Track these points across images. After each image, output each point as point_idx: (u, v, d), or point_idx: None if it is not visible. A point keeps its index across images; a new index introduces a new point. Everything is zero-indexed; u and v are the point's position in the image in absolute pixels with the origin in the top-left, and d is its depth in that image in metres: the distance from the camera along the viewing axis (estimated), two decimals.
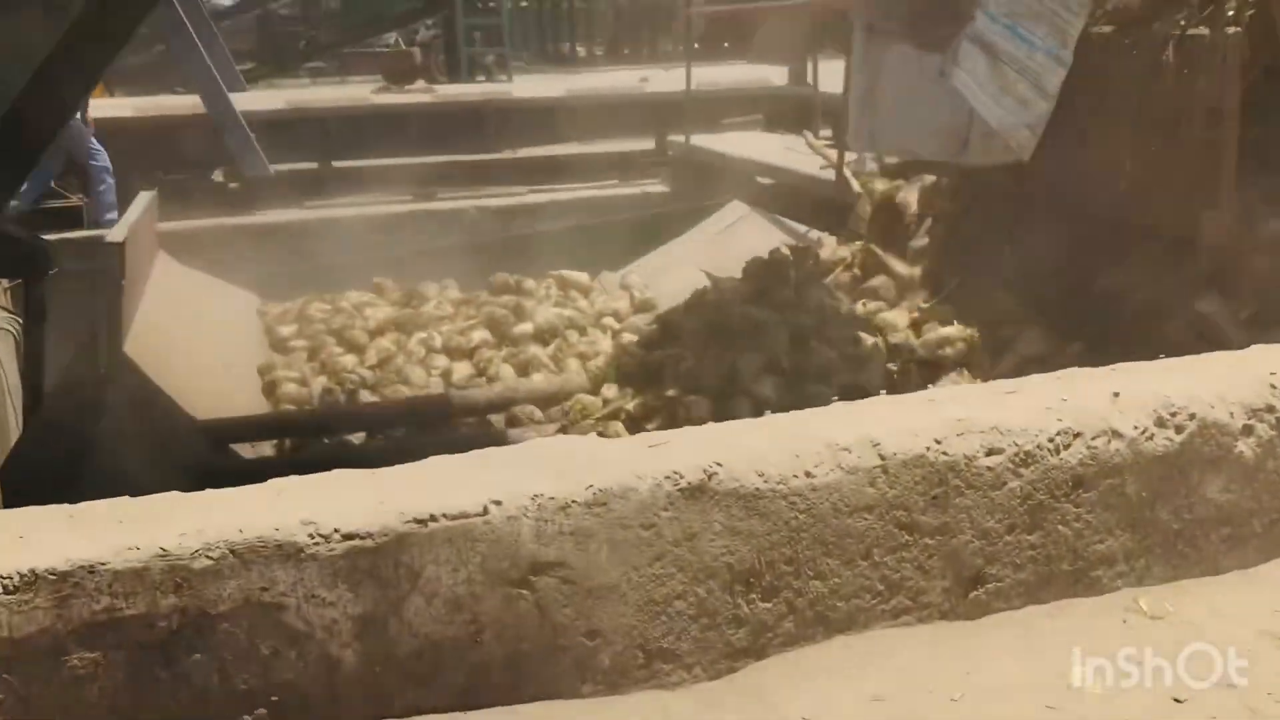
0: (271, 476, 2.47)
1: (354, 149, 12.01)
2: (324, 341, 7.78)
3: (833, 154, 8.31)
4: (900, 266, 5.29)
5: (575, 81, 15.49)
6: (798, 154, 9.04)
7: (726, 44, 31.74)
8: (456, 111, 12.24)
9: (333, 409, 6.23)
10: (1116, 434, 2.54)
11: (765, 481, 2.36)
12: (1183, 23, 3.96)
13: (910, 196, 6.57)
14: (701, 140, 10.48)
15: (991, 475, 2.48)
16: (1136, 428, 2.56)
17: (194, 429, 5.55)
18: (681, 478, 2.32)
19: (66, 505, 2.32)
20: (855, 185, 7.03)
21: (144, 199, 7.09)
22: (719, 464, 2.35)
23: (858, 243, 5.93)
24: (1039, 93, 3.75)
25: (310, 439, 5.98)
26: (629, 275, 7.92)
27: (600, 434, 5.38)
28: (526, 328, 7.76)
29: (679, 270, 7.77)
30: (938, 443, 2.46)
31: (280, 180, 11.42)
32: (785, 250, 6.12)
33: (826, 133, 13.03)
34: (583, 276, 8.42)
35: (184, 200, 9.51)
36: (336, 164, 11.86)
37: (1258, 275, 4.27)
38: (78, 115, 9.15)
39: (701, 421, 4.91)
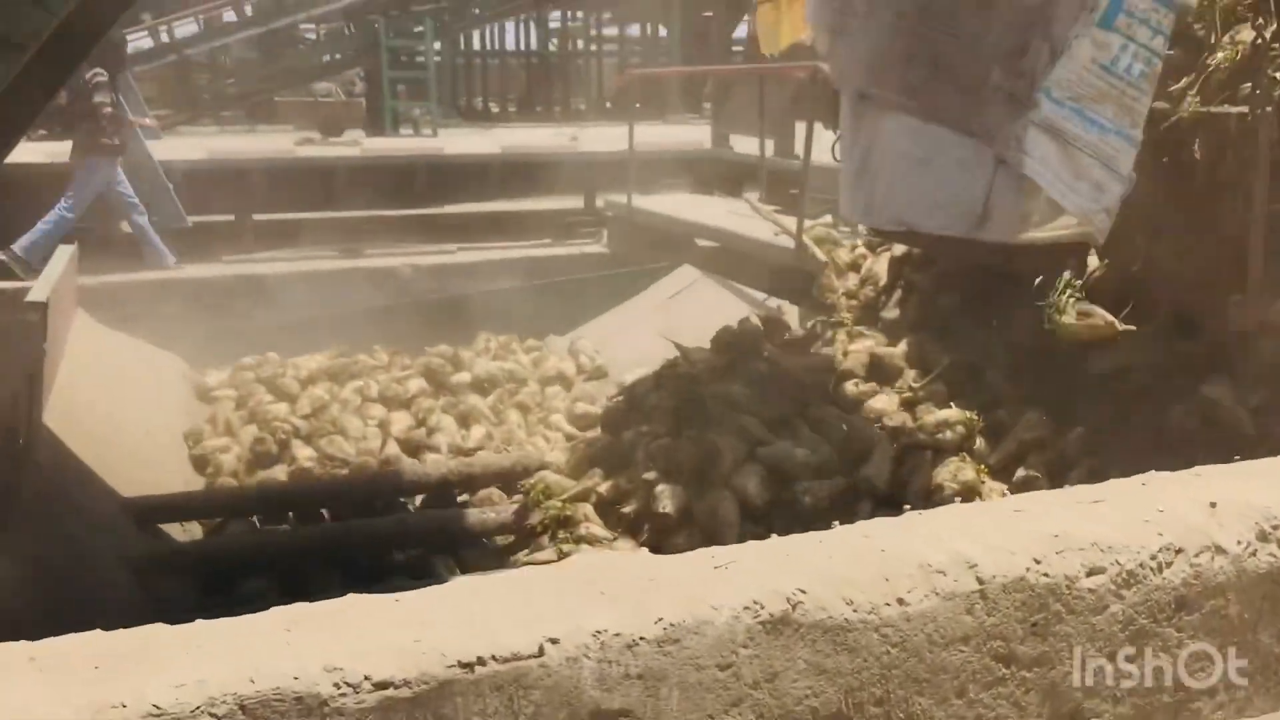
0: (216, 565, 2.10)
1: (276, 202, 11.56)
2: (253, 390, 7.37)
3: (786, 220, 8.17)
4: (890, 348, 5.08)
5: (496, 137, 15.21)
6: (746, 218, 8.86)
7: (638, 104, 31.92)
8: (386, 166, 11.87)
9: (271, 485, 5.77)
10: (1219, 550, 2.32)
11: (854, 610, 2.07)
12: (1197, 100, 3.86)
13: (879, 267, 6.41)
14: (643, 202, 10.26)
15: (1093, 598, 2.23)
16: (1239, 543, 2.33)
17: (119, 508, 5.05)
18: (762, 608, 2.02)
19: (26, 644, 1.92)
20: (819, 254, 6.87)
21: (65, 253, 6.58)
22: (802, 590, 2.06)
23: (842, 321, 5.70)
24: (1113, 175, 3.58)
25: (248, 518, 5.51)
26: (579, 340, 7.62)
27: (568, 516, 5.03)
28: (464, 377, 7.54)
29: (632, 336, 7.50)
30: (1037, 562, 2.20)
31: (197, 232, 10.91)
32: (756, 320, 5.89)
33: (752, 195, 13.05)
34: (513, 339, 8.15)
35: (91, 251, 8.94)
36: (258, 217, 11.38)
37: (1264, 359, 4.15)
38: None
39: (681, 510, 4.60)
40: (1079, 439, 4.40)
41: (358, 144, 12.85)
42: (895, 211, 4.39)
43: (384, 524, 5.23)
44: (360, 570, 5.02)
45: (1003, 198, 3.99)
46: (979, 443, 4.46)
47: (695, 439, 4.83)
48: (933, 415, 4.53)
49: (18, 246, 8.64)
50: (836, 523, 2.44)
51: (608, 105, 32.23)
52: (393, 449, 6.75)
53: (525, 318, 8.64)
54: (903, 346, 5.11)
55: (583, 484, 5.09)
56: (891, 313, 6.13)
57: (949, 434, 4.41)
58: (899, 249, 6.25)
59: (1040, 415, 4.49)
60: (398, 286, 9.63)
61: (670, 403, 5.20)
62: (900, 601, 2.10)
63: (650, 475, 4.73)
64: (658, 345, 7.28)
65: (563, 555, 4.91)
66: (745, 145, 14.45)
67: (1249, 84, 3.73)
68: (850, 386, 4.88)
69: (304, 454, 6.52)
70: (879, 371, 5.05)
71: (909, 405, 4.76)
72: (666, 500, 4.63)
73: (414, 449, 6.76)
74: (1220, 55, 3.86)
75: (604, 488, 4.97)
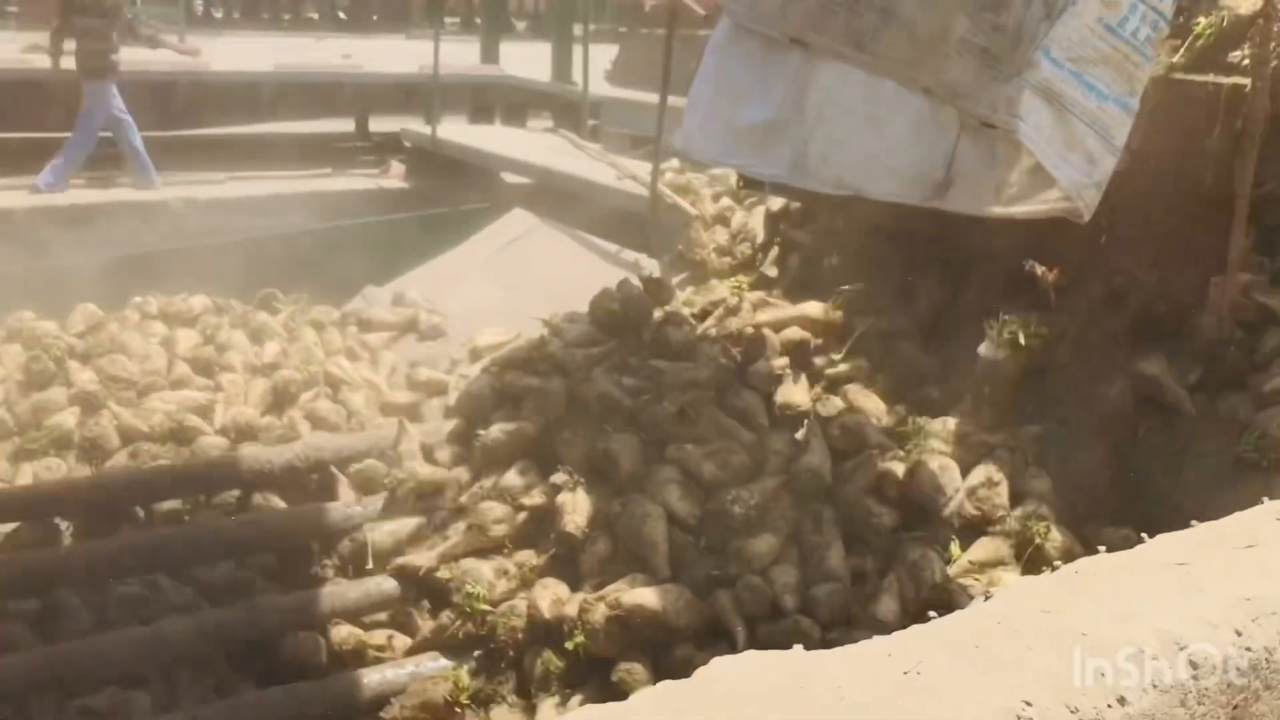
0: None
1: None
2: (12, 308, 6.40)
3: (629, 163, 7.67)
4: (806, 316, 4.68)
5: (257, 52, 13.80)
6: (574, 157, 8.30)
7: (376, 17, 30.36)
8: (142, 81, 10.39)
9: (79, 482, 4.79)
10: None
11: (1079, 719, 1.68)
12: (1180, 70, 3.67)
13: (754, 222, 6.04)
14: (451, 133, 9.47)
15: None
16: None
17: None
18: None
19: None
20: (684, 205, 6.42)
21: None
22: (1028, 703, 1.64)
23: (740, 285, 5.25)
24: (1108, 147, 3.28)
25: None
26: (407, 291, 6.84)
27: (467, 511, 4.41)
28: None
29: (467, 289, 6.82)
30: (1239, 635, 1.88)
31: None
32: (637, 282, 5.38)
33: (542, 123, 12.46)
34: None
35: None
36: None
37: (1204, 335, 4.07)
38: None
39: (592, 521, 4.07)
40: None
41: None
42: (836, 173, 3.99)
43: (232, 527, 4.43)
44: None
45: (969, 165, 3.66)
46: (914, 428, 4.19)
47: (579, 439, 4.33)
48: (869, 400, 4.21)
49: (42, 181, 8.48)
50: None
51: (341, 16, 30.25)
52: (182, 369, 6.05)
53: (327, 265, 7.72)
54: (811, 311, 4.72)
55: (470, 489, 4.48)
56: (770, 271, 5.80)
57: (883, 418, 4.12)
58: (775, 203, 5.90)
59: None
60: (171, 224, 8.43)
61: (545, 390, 4.65)
62: (1121, 701, 1.73)
63: (561, 479, 4.19)
64: (498, 299, 6.68)
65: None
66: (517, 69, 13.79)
67: (1239, 53, 3.57)
68: (763, 364, 4.47)
69: (83, 377, 5.72)
70: (788, 341, 4.68)
71: (833, 384, 4.43)
72: (575, 516, 4.08)
73: (205, 367, 6.10)
74: (1204, 21, 3.68)
75: (488, 493, 4.37)
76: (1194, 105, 3.63)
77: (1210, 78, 3.63)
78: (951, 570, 3.66)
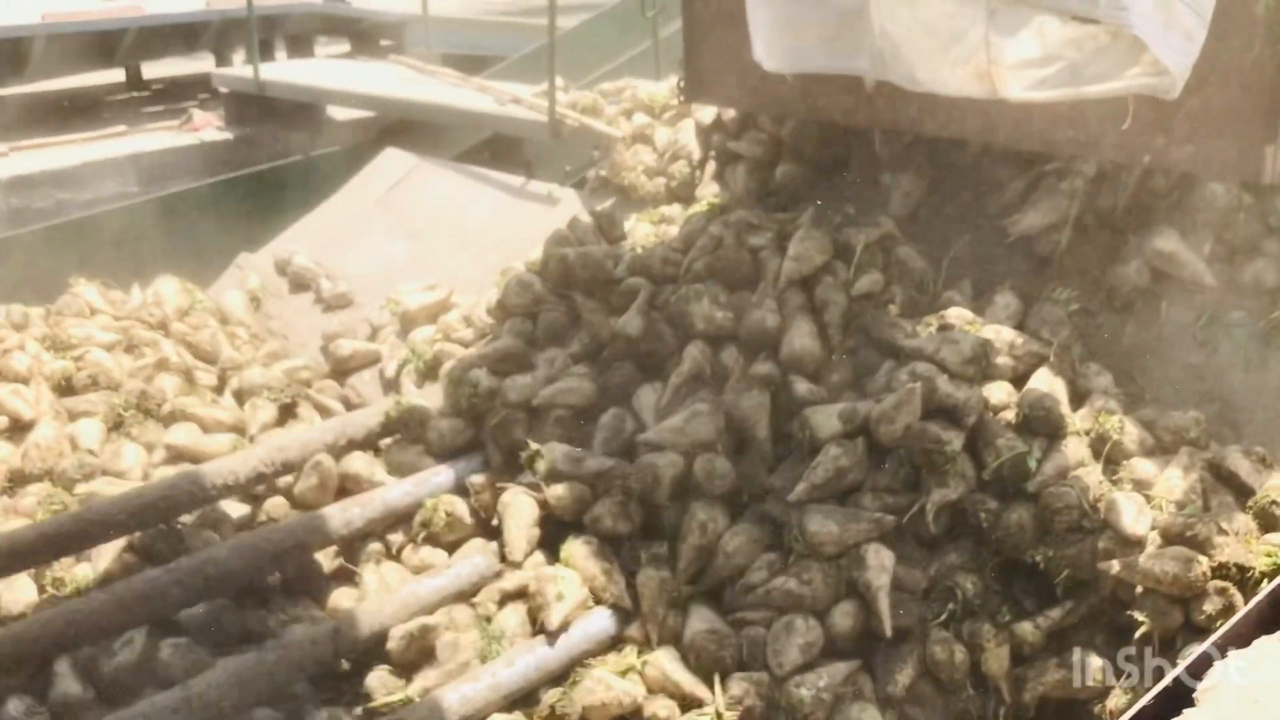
0: None
1: None
2: None
3: (504, 87, 7.15)
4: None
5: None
6: (433, 86, 7.66)
7: None
8: None
9: (47, 526, 4.02)
10: None
11: None
12: None
13: (684, 138, 5.71)
14: (276, 72, 8.56)
15: None
16: None
17: None
18: None
19: None
20: (598, 125, 6.00)
21: None
22: None
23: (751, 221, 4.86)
24: (1201, 21, 3.14)
25: None
26: (293, 256, 6.13)
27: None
28: None
29: (363, 244, 6.20)
30: None
31: None
32: (586, 220, 4.96)
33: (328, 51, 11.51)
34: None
35: None
36: None
37: (1215, 204, 4.09)
38: None
39: None
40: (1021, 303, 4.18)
41: None
42: (908, 70, 3.77)
43: (222, 555, 3.83)
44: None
45: (1005, 49, 3.47)
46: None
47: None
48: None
49: None
50: None
51: None
52: None
53: (180, 237, 6.88)
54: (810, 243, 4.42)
55: None
56: (707, 189, 5.51)
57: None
58: (705, 115, 5.58)
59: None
60: None
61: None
62: None
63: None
64: (402, 253, 6.13)
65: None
66: None
67: None
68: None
69: None
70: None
71: (852, 306, 4.21)
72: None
73: None
74: None
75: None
76: None
77: None
78: (1035, 483, 3.57)
